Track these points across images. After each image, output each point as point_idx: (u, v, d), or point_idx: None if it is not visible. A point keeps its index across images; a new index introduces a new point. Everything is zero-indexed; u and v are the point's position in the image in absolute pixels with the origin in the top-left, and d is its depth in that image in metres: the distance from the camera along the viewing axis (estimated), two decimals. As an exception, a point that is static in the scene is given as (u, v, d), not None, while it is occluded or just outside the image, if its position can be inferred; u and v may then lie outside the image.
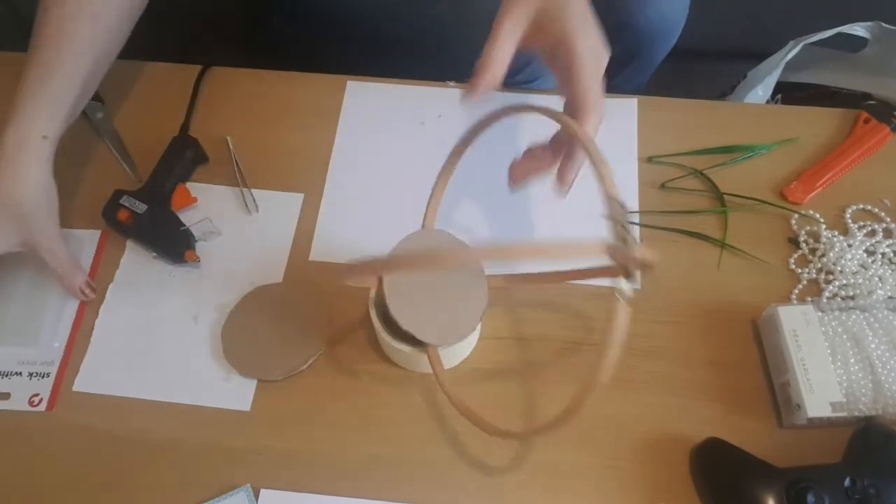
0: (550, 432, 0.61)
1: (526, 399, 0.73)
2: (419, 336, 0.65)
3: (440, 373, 0.67)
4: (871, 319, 0.71)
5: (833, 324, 0.71)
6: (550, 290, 0.78)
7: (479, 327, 0.74)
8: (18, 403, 0.74)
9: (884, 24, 1.14)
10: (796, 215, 0.82)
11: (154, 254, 0.80)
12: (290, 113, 0.90)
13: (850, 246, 0.79)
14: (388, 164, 0.86)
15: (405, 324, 0.64)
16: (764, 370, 0.74)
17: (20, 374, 0.75)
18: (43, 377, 0.75)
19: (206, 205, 0.83)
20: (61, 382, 0.75)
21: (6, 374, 0.75)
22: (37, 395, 0.74)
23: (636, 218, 0.82)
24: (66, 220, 0.82)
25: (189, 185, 0.84)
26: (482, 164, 0.85)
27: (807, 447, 0.69)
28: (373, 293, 0.71)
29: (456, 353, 0.73)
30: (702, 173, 0.84)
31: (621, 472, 0.70)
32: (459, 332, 0.67)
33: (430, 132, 0.88)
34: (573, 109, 0.62)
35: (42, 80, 0.71)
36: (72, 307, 0.78)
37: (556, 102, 0.90)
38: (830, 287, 0.77)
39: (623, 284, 0.54)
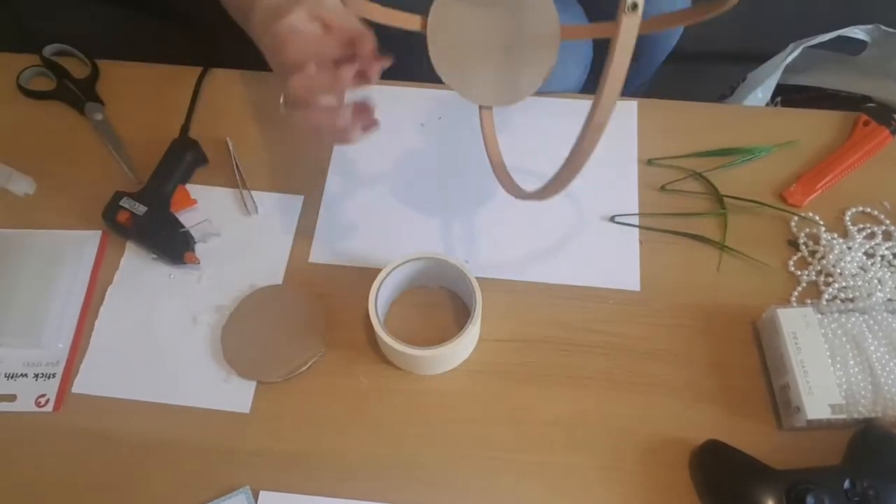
0: (559, 187, 0.55)
1: (525, 400, 0.73)
2: (463, 94, 0.55)
3: (490, 135, 0.57)
4: (871, 322, 0.71)
5: (832, 326, 0.71)
6: (549, 292, 0.78)
7: (478, 327, 0.74)
8: (25, 404, 0.74)
9: (883, 27, 1.14)
10: (796, 218, 0.82)
11: (154, 255, 0.80)
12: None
13: (849, 248, 0.79)
14: (388, 165, 0.86)
15: (448, 79, 0.55)
16: (764, 372, 0.74)
17: (26, 375, 0.75)
18: (49, 378, 0.75)
19: (206, 206, 0.83)
20: (67, 383, 0.75)
21: (12, 376, 0.75)
22: (43, 395, 0.74)
23: (636, 220, 0.82)
24: (66, 221, 0.83)
25: (189, 186, 0.84)
26: (476, 175, 0.85)
27: (806, 449, 0.69)
28: (373, 294, 0.71)
29: (456, 355, 0.73)
30: (702, 175, 0.84)
31: (621, 473, 0.70)
32: (518, 90, 0.56)
33: (429, 134, 0.88)
34: None
35: None
36: (75, 308, 0.78)
37: (558, 105, 0.90)
38: (830, 289, 0.77)
39: None
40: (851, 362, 0.69)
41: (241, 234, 0.82)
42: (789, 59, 1.18)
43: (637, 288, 0.78)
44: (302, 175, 0.86)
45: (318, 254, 0.81)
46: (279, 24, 0.62)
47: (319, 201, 0.84)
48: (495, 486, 0.69)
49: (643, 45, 1.07)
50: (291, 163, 0.87)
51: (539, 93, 0.90)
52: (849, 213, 0.82)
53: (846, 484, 0.62)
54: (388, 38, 0.98)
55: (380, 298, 0.72)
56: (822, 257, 0.79)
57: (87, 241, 0.82)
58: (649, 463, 0.70)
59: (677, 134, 0.87)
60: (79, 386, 0.74)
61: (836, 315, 0.72)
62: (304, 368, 0.74)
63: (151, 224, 0.79)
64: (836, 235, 0.80)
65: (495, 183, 0.72)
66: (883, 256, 0.79)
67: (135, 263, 0.81)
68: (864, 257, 0.79)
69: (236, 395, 0.74)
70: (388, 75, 0.93)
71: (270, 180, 0.85)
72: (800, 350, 0.69)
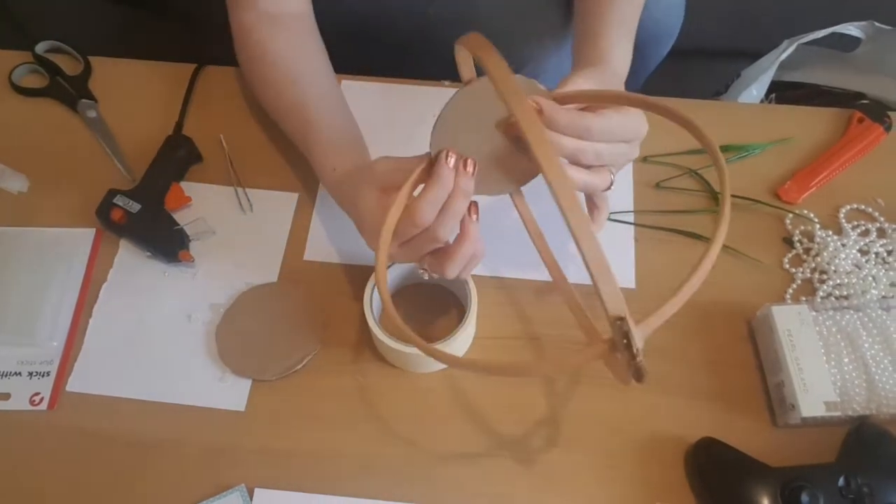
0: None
1: (521, 398, 0.73)
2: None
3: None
4: (865, 319, 0.71)
5: (827, 323, 0.71)
6: (544, 290, 0.78)
7: (473, 325, 0.74)
8: (19, 403, 0.73)
9: (877, 24, 1.14)
10: (790, 215, 0.82)
11: (148, 253, 0.80)
12: (285, 112, 0.90)
13: (843, 245, 0.79)
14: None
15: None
16: (758, 370, 0.74)
17: (20, 373, 0.75)
18: (43, 376, 0.74)
19: (201, 204, 0.83)
20: (62, 381, 0.74)
21: (6, 375, 0.75)
22: (37, 394, 0.74)
23: (631, 217, 0.82)
24: (60, 218, 0.83)
25: (183, 184, 0.84)
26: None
27: (801, 447, 0.69)
28: (368, 291, 0.71)
29: (453, 352, 0.73)
30: (696, 173, 0.84)
31: (617, 471, 0.70)
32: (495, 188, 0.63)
33: (425, 132, 0.88)
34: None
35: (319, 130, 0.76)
36: (69, 306, 0.78)
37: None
38: (824, 287, 0.77)
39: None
40: (846, 360, 0.69)
41: (235, 232, 0.82)
42: (783, 55, 1.18)
43: (632, 285, 0.78)
44: (296, 172, 0.86)
45: (313, 251, 0.81)
46: (360, 215, 0.66)
47: (314, 199, 0.84)
48: (491, 484, 0.69)
49: (637, 50, 1.07)
50: (286, 160, 0.86)
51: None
52: (843, 210, 0.82)
53: (841, 481, 0.63)
54: (383, 37, 0.98)
55: (375, 296, 0.72)
56: (817, 255, 0.79)
57: (81, 239, 0.82)
58: (644, 461, 0.70)
59: (672, 131, 0.86)
60: (73, 384, 0.74)
61: (831, 312, 0.72)
62: (299, 366, 0.74)
63: (145, 222, 0.79)
64: (830, 233, 0.80)
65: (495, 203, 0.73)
66: (877, 254, 0.79)
67: (129, 261, 0.81)
68: (859, 254, 0.79)
69: (231, 394, 0.73)
70: (388, 73, 0.93)
71: (265, 178, 0.85)
72: (794, 348, 0.69)
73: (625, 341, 0.52)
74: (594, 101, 0.63)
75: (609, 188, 0.65)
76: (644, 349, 0.53)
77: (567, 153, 0.60)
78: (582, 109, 0.62)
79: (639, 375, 0.53)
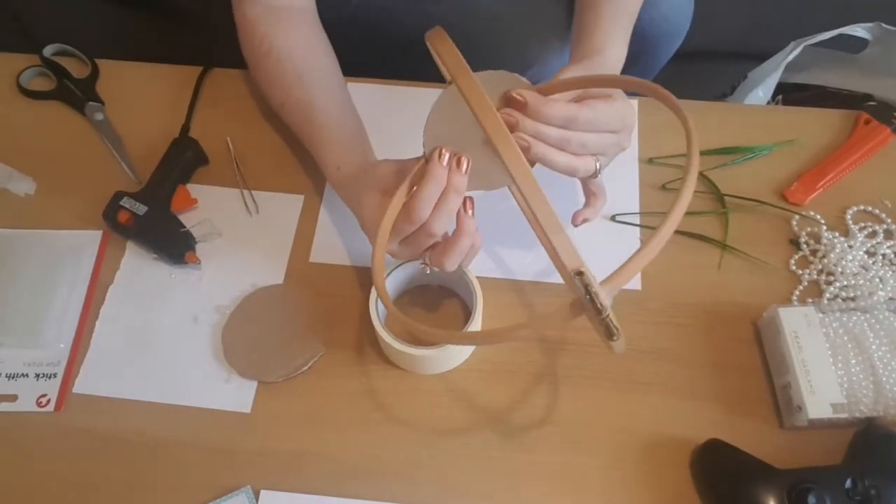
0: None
1: (526, 400, 0.73)
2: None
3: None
4: (872, 321, 0.71)
5: (834, 325, 0.71)
6: (549, 291, 0.78)
7: (479, 327, 0.74)
8: (26, 405, 0.74)
9: (884, 25, 1.14)
10: (797, 216, 0.82)
11: (154, 255, 0.80)
12: (291, 114, 0.90)
13: (850, 247, 0.79)
14: (389, 165, 0.86)
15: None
16: (765, 371, 0.74)
17: (27, 375, 0.75)
18: (50, 378, 0.75)
19: (207, 206, 0.83)
20: (68, 383, 0.75)
21: (13, 376, 0.75)
22: (44, 395, 0.74)
23: (637, 219, 0.82)
24: (67, 221, 0.83)
25: (189, 186, 0.84)
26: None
27: (808, 448, 0.69)
28: (374, 293, 0.71)
29: (456, 355, 0.73)
30: (702, 174, 0.84)
31: (623, 473, 0.70)
32: (492, 181, 0.63)
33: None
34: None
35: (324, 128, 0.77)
36: (76, 308, 0.78)
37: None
38: (831, 288, 0.77)
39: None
40: (853, 361, 0.69)
41: (241, 234, 0.82)
42: (790, 57, 1.17)
43: (638, 287, 0.78)
44: (302, 175, 0.86)
45: (319, 253, 0.81)
46: (362, 215, 0.69)
47: (320, 201, 0.84)
48: (495, 487, 0.69)
49: (646, 47, 1.07)
50: (292, 162, 0.87)
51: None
52: (850, 211, 0.82)
53: (848, 483, 0.62)
54: (388, 39, 0.98)
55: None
56: (824, 256, 0.79)
57: (88, 242, 0.82)
58: (650, 462, 0.70)
59: (678, 133, 0.86)
60: (80, 386, 0.74)
61: (838, 314, 0.72)
62: (304, 368, 0.74)
63: (152, 224, 0.79)
64: (837, 234, 0.80)
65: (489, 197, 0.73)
66: (884, 255, 0.79)
67: (135, 263, 0.81)
68: (866, 256, 0.78)
69: (237, 395, 0.74)
70: (391, 75, 0.93)
71: (271, 180, 0.85)
72: (801, 349, 0.69)
73: (588, 297, 0.51)
74: (573, 88, 0.64)
75: (594, 176, 0.66)
76: (613, 307, 0.52)
77: (552, 142, 0.61)
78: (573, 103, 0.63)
79: (609, 333, 0.52)
